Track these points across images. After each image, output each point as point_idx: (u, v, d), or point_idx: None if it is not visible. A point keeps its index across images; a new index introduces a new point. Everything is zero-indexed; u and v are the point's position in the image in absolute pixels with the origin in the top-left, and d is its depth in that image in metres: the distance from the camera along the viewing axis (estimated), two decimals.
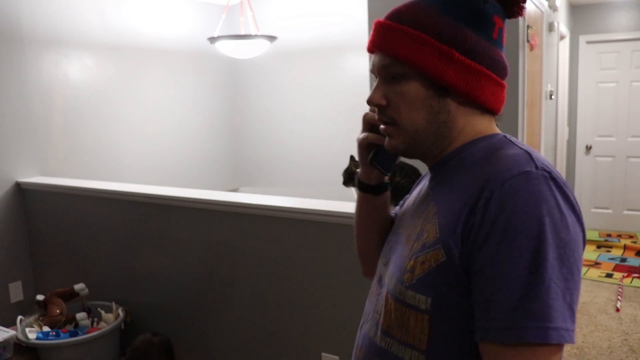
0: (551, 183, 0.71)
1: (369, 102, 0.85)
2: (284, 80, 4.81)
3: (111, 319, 2.74)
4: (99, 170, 3.78)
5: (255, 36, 3.50)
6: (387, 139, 0.87)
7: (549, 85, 4.02)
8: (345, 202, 2.23)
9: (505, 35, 0.85)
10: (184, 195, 2.57)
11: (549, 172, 0.72)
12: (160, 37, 4.26)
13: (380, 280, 0.92)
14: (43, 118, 3.40)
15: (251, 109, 5.04)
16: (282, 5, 4.71)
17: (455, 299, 0.75)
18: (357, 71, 4.36)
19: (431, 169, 0.90)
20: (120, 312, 2.76)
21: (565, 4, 4.82)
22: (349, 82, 4.46)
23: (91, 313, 2.83)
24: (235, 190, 5.10)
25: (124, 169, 4.00)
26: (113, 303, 2.84)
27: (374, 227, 1.05)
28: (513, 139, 0.83)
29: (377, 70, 0.85)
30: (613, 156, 5.44)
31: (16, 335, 2.59)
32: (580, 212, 0.74)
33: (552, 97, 4.20)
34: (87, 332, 2.65)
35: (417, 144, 0.84)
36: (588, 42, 5.38)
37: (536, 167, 0.72)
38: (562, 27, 4.53)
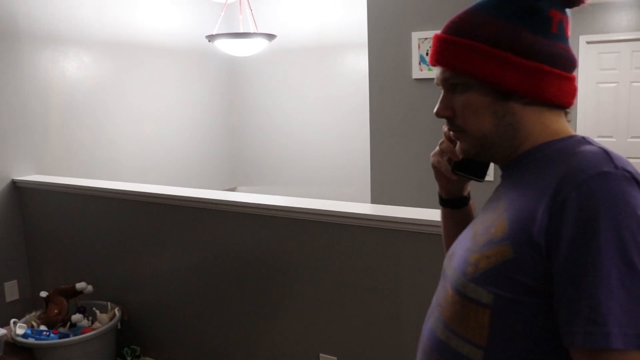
0: (633, 184, 0.69)
1: (436, 114, 0.90)
2: (283, 78, 4.79)
3: (105, 319, 2.71)
4: (95, 168, 3.76)
5: (254, 34, 3.47)
6: (457, 143, 0.91)
7: None
8: (344, 202, 2.21)
9: (568, 26, 0.85)
10: (181, 194, 2.55)
11: (630, 173, 0.70)
12: (158, 34, 4.24)
13: (444, 273, 0.92)
14: (39, 115, 3.37)
15: (249, 106, 5.02)
16: (281, 3, 4.69)
17: (520, 297, 0.73)
18: (356, 69, 4.35)
19: (502, 168, 0.91)
20: (117, 312, 2.73)
21: None
22: (347, 80, 4.44)
23: (86, 312, 2.81)
24: (233, 189, 5.08)
25: (121, 167, 3.97)
26: (109, 303, 2.82)
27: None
28: (591, 139, 0.82)
29: (440, 83, 0.89)
30: None
31: (10, 335, 2.57)
32: None
33: None
34: (82, 333, 2.62)
35: (486, 147, 0.87)
36: (588, 42, 5.36)
37: (616, 167, 0.70)
38: None
